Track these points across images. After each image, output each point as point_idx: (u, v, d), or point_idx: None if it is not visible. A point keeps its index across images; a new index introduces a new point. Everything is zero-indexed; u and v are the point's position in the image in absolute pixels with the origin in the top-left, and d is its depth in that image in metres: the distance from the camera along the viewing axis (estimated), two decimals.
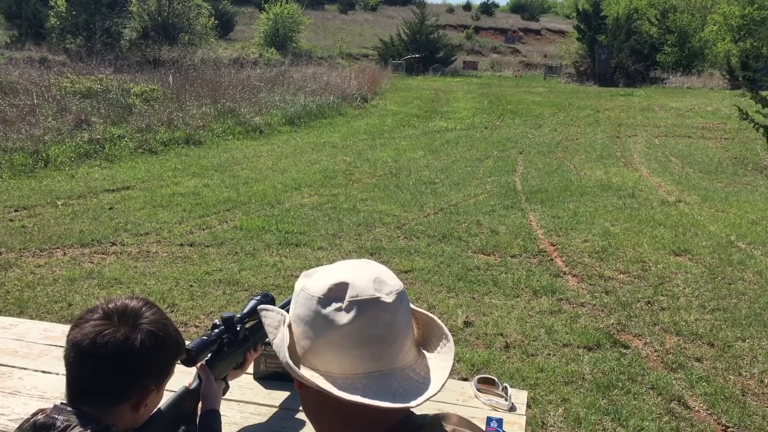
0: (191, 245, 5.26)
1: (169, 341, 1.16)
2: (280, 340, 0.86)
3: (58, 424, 1.05)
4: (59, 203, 6.45)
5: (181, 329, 2.10)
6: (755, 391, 3.20)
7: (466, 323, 3.86)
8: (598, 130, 13.46)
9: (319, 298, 0.83)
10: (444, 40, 34.29)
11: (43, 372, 1.71)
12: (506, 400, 1.62)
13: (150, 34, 27.47)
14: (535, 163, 9.55)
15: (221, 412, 1.36)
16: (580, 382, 3.21)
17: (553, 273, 4.80)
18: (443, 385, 0.85)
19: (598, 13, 30.94)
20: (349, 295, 0.82)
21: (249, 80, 16.21)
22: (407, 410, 0.86)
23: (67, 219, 5.90)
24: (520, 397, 1.66)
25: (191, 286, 4.38)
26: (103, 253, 5.04)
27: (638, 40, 30.53)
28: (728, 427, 2.89)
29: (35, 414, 1.08)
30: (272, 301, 1.48)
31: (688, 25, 32.22)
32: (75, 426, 1.05)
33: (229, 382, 1.46)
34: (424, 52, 32.28)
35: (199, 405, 1.35)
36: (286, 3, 34.31)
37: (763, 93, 10.12)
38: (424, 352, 0.92)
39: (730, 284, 4.64)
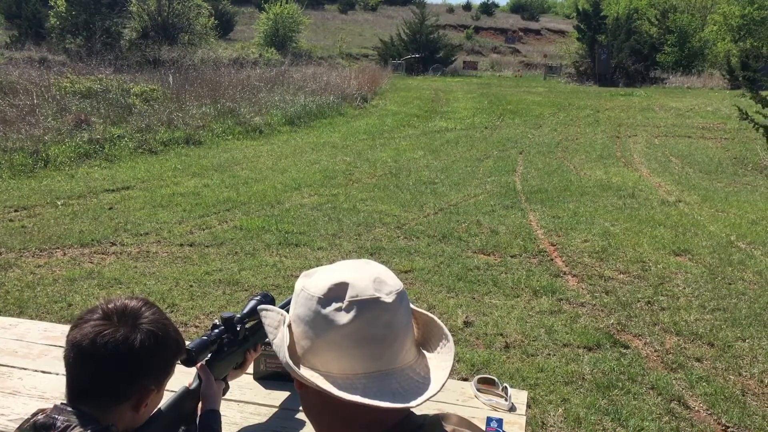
0: (191, 245, 5.26)
1: (169, 341, 1.16)
2: (280, 340, 0.86)
3: (59, 424, 1.05)
4: (59, 203, 6.45)
5: (181, 329, 2.10)
6: (755, 391, 3.20)
7: (466, 323, 3.86)
8: (598, 130, 13.46)
9: (319, 298, 0.83)
10: (444, 40, 34.29)
11: (43, 372, 1.71)
12: (506, 400, 1.62)
13: (150, 34, 27.47)
14: (535, 163, 9.55)
15: (221, 412, 1.36)
16: (580, 382, 3.21)
17: (553, 273, 4.80)
18: (443, 385, 0.85)
19: (598, 13, 30.94)
20: (349, 295, 0.82)
21: (249, 80, 16.22)
22: (407, 410, 0.86)
23: (67, 219, 5.90)
24: (520, 397, 1.66)
25: (191, 286, 4.38)
26: (103, 253, 5.04)
27: (638, 40, 30.53)
28: (728, 427, 2.89)
29: (35, 414, 1.08)
30: (272, 301, 1.48)
31: (688, 25, 32.23)
32: (75, 426, 1.05)
33: (229, 382, 1.46)
34: (424, 52, 32.28)
35: (199, 405, 1.35)
36: (286, 3, 34.32)
37: (763, 93, 10.12)
38: (424, 352, 0.92)
39: (730, 284, 4.64)
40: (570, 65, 32.30)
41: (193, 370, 1.36)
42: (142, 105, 12.03)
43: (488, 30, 54.53)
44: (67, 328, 1.20)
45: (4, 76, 13.27)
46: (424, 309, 1.37)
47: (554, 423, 2.85)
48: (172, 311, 3.94)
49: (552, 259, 5.12)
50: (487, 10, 63.65)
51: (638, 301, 4.28)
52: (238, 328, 1.43)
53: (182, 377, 1.36)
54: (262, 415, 1.57)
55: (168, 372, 1.20)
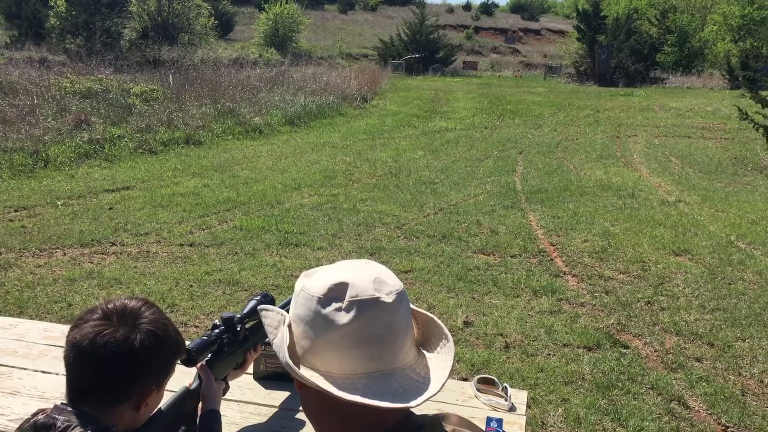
0: (191, 245, 5.26)
1: (169, 341, 1.16)
2: (280, 340, 0.86)
3: (59, 424, 1.05)
4: (59, 203, 6.45)
5: (181, 329, 2.10)
6: (755, 391, 3.20)
7: (466, 323, 3.86)
8: (598, 130, 13.46)
9: (319, 298, 0.83)
10: (444, 40, 34.30)
11: (43, 372, 1.71)
12: (506, 400, 1.62)
13: (150, 34, 27.47)
14: (535, 163, 9.55)
15: (221, 412, 1.36)
16: (580, 382, 3.21)
17: (553, 273, 4.80)
18: (443, 385, 0.85)
19: (598, 13, 30.95)
20: (349, 295, 0.82)
21: (249, 80, 16.22)
22: (407, 410, 0.86)
23: (67, 219, 5.90)
24: (520, 397, 1.66)
25: (191, 286, 4.38)
26: (102, 253, 5.04)
27: (638, 40, 30.53)
28: (728, 427, 2.89)
29: (35, 414, 1.08)
30: (272, 301, 1.48)
31: (688, 25, 32.23)
32: (75, 426, 1.05)
33: (229, 383, 1.46)
34: (424, 52, 32.28)
35: (200, 405, 1.35)
36: (286, 3, 34.31)
37: (763, 93, 10.12)
38: (424, 352, 0.92)
39: (730, 284, 4.65)
40: (570, 65, 32.30)
41: (194, 370, 1.36)
42: (142, 105, 12.03)
43: (488, 30, 54.53)
44: (67, 328, 1.20)
45: (4, 76, 13.27)
46: (424, 309, 1.37)
47: (554, 423, 2.85)
48: (172, 311, 3.94)
49: (552, 259, 5.12)
50: (487, 10, 63.66)
51: (638, 301, 4.28)
52: (238, 328, 1.43)
53: (182, 377, 1.36)
54: (262, 415, 1.57)
55: (168, 372, 1.20)
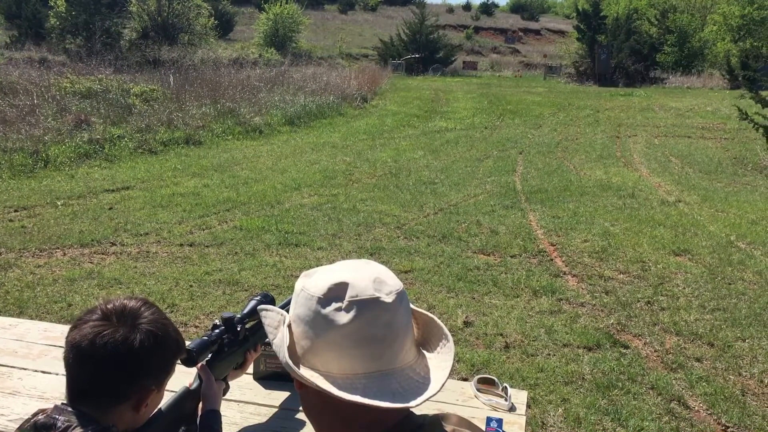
0: (191, 245, 5.26)
1: (169, 341, 1.16)
2: (279, 340, 0.86)
3: (59, 424, 1.05)
4: (59, 203, 6.45)
5: (181, 329, 2.10)
6: (755, 391, 3.20)
7: (466, 323, 3.86)
8: (597, 130, 13.46)
9: (319, 298, 0.83)
10: (444, 40, 34.30)
11: (43, 372, 1.71)
12: (506, 400, 1.62)
13: (150, 35, 27.47)
14: (534, 163, 9.55)
15: (221, 413, 1.36)
16: (580, 382, 3.21)
17: (553, 273, 4.80)
18: (443, 385, 0.85)
19: (598, 13, 30.95)
20: (349, 295, 0.82)
21: (249, 80, 16.22)
22: (407, 410, 0.86)
23: (67, 219, 5.90)
24: (520, 397, 1.66)
25: (191, 286, 4.38)
26: (102, 254, 5.04)
27: (638, 40, 30.54)
28: (728, 427, 2.89)
29: (36, 414, 1.08)
30: (272, 302, 1.48)
31: (688, 25, 32.24)
32: (75, 426, 1.05)
33: (229, 383, 1.46)
34: (423, 52, 32.29)
35: (200, 405, 1.35)
36: (286, 3, 34.31)
37: (763, 93, 10.12)
38: (424, 352, 0.92)
39: (730, 284, 4.65)
40: (570, 65, 32.31)
41: (194, 370, 1.36)
42: (142, 105, 12.03)
43: (488, 30, 54.54)
44: (67, 328, 1.20)
45: (4, 76, 13.27)
46: (424, 309, 1.37)
47: (554, 423, 2.85)
48: (172, 311, 3.94)
49: (552, 259, 5.12)
50: (487, 10, 63.67)
51: (638, 301, 4.28)
52: (238, 329, 1.43)
53: (182, 377, 1.36)
54: (262, 415, 1.57)
55: (168, 372, 1.19)
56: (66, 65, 17.47)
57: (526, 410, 1.62)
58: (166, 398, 1.26)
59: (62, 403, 1.10)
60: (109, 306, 1.13)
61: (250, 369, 1.60)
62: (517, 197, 7.26)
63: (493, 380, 1.70)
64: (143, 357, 1.10)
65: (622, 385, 3.19)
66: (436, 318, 0.94)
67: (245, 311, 1.47)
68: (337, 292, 0.82)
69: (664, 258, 5.20)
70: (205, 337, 1.36)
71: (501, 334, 3.72)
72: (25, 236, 5.36)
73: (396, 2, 62.06)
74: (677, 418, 2.93)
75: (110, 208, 6.32)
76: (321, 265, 1.03)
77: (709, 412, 3.00)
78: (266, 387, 1.68)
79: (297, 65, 23.55)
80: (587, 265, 4.98)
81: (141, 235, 5.49)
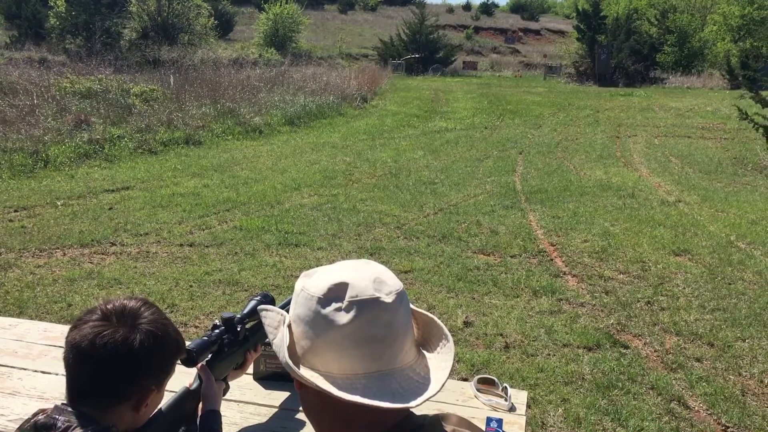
0: (191, 245, 5.26)
1: (169, 341, 1.16)
2: (279, 341, 0.86)
3: (59, 424, 1.05)
4: (59, 203, 6.45)
5: (181, 329, 2.09)
6: (755, 391, 3.20)
7: (466, 323, 3.86)
8: (597, 130, 13.46)
9: (319, 298, 0.83)
10: (444, 40, 34.30)
11: (43, 372, 1.71)
12: (506, 400, 1.62)
13: (150, 35, 27.47)
14: (534, 163, 9.55)
15: (221, 413, 1.36)
16: (580, 382, 3.21)
17: (552, 273, 4.80)
18: (443, 385, 0.85)
19: (598, 13, 30.94)
20: (349, 295, 0.82)
21: (249, 80, 16.22)
22: (407, 410, 0.86)
23: (67, 219, 5.90)
24: (520, 397, 1.66)
25: (191, 286, 4.38)
26: (102, 254, 5.04)
27: (638, 40, 30.54)
28: (728, 427, 2.89)
29: (36, 414, 1.08)
30: (272, 302, 1.48)
31: (688, 25, 32.23)
32: (75, 427, 1.05)
33: (229, 383, 1.46)
34: (423, 52, 32.28)
35: (200, 405, 1.35)
36: (286, 3, 34.31)
37: (763, 93, 10.12)
38: (424, 352, 0.92)
39: (730, 284, 4.65)
40: (570, 65, 32.30)
41: (194, 371, 1.36)
42: (141, 105, 12.03)
43: (488, 30, 54.54)
44: (66, 328, 1.20)
45: (4, 76, 13.27)
46: (424, 309, 1.37)
47: (554, 423, 2.85)
48: (172, 311, 3.94)
49: (552, 259, 5.12)
50: (487, 10, 63.66)
51: (638, 301, 4.28)
52: (238, 329, 1.43)
53: (182, 377, 1.36)
54: (262, 416, 1.57)
55: (168, 372, 1.19)
56: (66, 65, 17.47)
57: (526, 410, 1.62)
58: (166, 398, 1.26)
59: (62, 404, 1.10)
60: (109, 306, 1.13)
61: (250, 369, 1.60)
62: (517, 197, 7.26)
63: (493, 380, 1.70)
64: (143, 357, 1.10)
65: (622, 385, 3.19)
66: (436, 318, 0.94)
67: (245, 311, 1.47)
68: (337, 292, 0.82)
69: (664, 258, 5.20)
70: (205, 338, 1.36)
71: (501, 334, 3.72)
72: (25, 236, 5.36)
73: (396, 2, 62.06)
74: (677, 418, 2.93)
75: (110, 208, 6.32)
76: (321, 265, 1.03)
77: (709, 412, 3.00)
78: (266, 387, 1.68)
79: (297, 65, 23.56)
80: (587, 265, 4.98)
81: (141, 235, 5.49)
